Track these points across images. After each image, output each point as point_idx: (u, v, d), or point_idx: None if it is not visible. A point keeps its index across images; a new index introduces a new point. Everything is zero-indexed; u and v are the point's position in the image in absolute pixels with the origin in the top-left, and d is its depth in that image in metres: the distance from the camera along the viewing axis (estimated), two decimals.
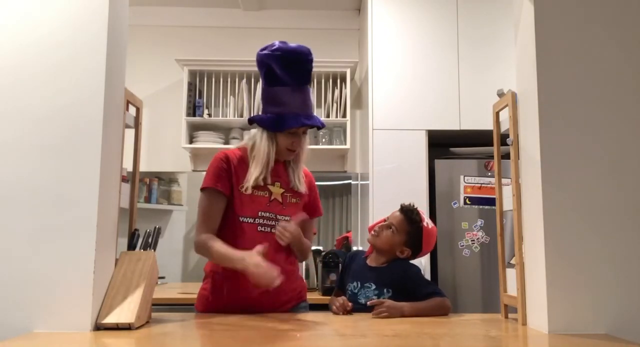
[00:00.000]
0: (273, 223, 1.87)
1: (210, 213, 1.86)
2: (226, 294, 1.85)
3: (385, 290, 1.90)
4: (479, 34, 3.39)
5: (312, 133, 3.46)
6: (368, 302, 1.82)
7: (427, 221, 1.99)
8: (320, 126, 1.91)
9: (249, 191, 1.86)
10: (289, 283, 1.86)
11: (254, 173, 1.86)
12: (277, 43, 1.87)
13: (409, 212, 1.98)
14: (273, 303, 1.85)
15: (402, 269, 1.95)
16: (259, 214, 1.86)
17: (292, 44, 1.88)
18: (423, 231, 1.96)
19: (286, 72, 1.85)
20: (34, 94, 1.46)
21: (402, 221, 1.96)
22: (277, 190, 1.91)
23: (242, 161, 1.91)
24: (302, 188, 1.96)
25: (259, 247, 1.69)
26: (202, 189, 1.88)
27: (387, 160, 3.26)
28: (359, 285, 1.95)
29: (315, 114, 1.94)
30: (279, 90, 1.86)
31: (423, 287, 1.90)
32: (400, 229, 1.95)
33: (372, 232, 1.99)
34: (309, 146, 1.99)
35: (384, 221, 2.01)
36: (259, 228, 1.86)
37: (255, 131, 1.94)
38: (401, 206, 2.02)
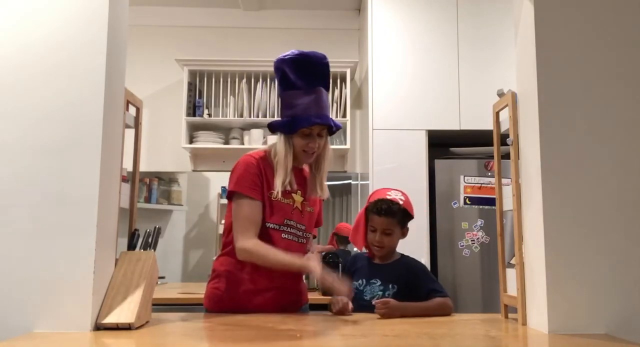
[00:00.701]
0: (294, 231, 1.90)
1: (253, 219, 1.82)
2: (242, 294, 1.85)
3: (390, 286, 1.91)
4: (479, 34, 3.40)
5: None
6: (373, 302, 1.81)
7: (399, 197, 1.99)
8: (333, 127, 1.89)
9: (278, 197, 1.85)
10: (297, 285, 1.93)
11: (279, 179, 1.85)
12: (293, 50, 1.89)
13: (387, 211, 1.96)
14: (285, 303, 1.88)
15: (407, 265, 1.97)
16: (285, 222, 1.87)
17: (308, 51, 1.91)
18: (406, 207, 1.98)
19: (298, 76, 1.85)
20: (34, 94, 1.46)
21: (389, 221, 1.96)
22: (298, 198, 1.92)
23: (269, 166, 1.89)
24: (325, 194, 1.97)
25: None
26: (235, 194, 1.84)
27: (387, 160, 3.26)
28: (364, 282, 1.96)
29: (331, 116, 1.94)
30: (292, 93, 1.87)
31: (425, 284, 1.91)
32: (393, 227, 1.97)
33: (375, 248, 1.98)
34: (331, 153, 1.96)
35: (362, 225, 2.00)
36: (283, 235, 1.87)
37: (275, 136, 1.95)
38: (374, 211, 1.98)
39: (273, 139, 2.05)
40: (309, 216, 1.96)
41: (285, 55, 1.87)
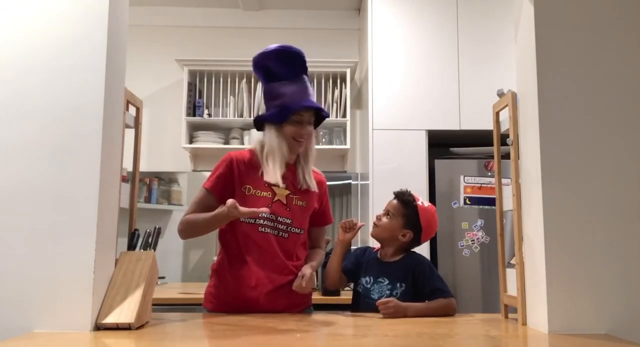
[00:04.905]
0: (273, 224, 1.88)
1: (199, 206, 1.89)
2: (229, 291, 1.87)
3: (398, 284, 1.91)
4: (479, 34, 3.39)
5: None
6: (376, 303, 1.81)
7: (421, 200, 2.02)
8: (320, 111, 1.93)
9: (252, 191, 1.87)
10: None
11: (277, 171, 1.87)
12: (270, 46, 1.95)
13: (401, 195, 2.02)
14: (276, 305, 1.85)
15: (414, 262, 1.97)
16: (260, 215, 1.86)
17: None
18: (418, 210, 1.98)
19: (281, 66, 1.91)
20: (34, 94, 1.46)
21: (396, 205, 2.00)
22: (281, 191, 1.91)
23: (250, 164, 1.92)
24: (312, 185, 1.94)
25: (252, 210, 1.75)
26: (203, 186, 1.94)
27: (387, 160, 3.26)
28: (372, 280, 1.97)
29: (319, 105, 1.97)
30: (277, 84, 1.92)
31: (430, 282, 1.90)
32: (397, 213, 1.98)
33: (373, 225, 2.02)
34: (316, 145, 2.00)
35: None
36: (260, 228, 1.86)
37: (258, 133, 1.99)
38: (394, 192, 2.05)
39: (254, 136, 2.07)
40: (298, 210, 1.92)
41: (266, 50, 1.93)
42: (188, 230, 1.89)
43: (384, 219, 2.00)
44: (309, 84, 1.95)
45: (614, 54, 1.54)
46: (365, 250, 2.12)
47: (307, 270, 1.84)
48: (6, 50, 1.47)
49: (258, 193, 1.88)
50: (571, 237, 1.47)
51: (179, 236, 1.91)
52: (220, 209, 1.76)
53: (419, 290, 1.90)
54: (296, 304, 1.91)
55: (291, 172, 1.95)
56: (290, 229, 1.90)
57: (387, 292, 1.90)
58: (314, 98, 1.94)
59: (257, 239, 1.86)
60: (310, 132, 1.93)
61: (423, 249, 3.09)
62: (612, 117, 1.52)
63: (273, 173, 1.87)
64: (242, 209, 1.72)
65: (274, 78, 1.92)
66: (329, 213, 2.07)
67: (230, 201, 1.72)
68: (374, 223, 2.02)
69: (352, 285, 2.10)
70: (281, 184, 1.88)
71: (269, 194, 1.89)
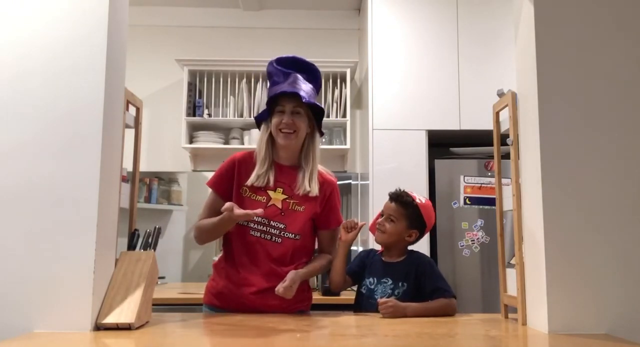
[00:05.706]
0: (265, 229, 1.87)
1: (208, 208, 1.94)
2: (224, 287, 1.89)
3: (400, 284, 1.92)
4: (479, 34, 3.39)
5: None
6: (378, 300, 1.81)
7: (419, 198, 2.02)
8: (303, 98, 1.85)
9: (248, 193, 1.89)
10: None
11: (256, 170, 1.89)
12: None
13: (399, 197, 2.01)
14: (268, 304, 1.83)
15: (416, 261, 1.97)
16: (252, 218, 1.84)
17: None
18: (420, 208, 1.99)
19: (278, 70, 1.93)
20: (34, 94, 1.46)
21: (397, 208, 1.99)
22: (277, 196, 1.89)
23: (251, 166, 1.92)
24: (314, 190, 1.89)
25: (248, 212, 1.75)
26: (206, 184, 1.99)
27: (387, 160, 3.26)
28: (375, 281, 1.97)
29: (313, 100, 1.92)
30: (272, 88, 1.94)
31: (430, 281, 1.90)
32: (399, 216, 1.98)
33: (377, 232, 2.01)
34: (319, 147, 1.98)
35: (380, 215, 2.03)
36: (251, 232, 1.87)
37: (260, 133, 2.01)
38: (389, 195, 2.05)
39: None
40: (295, 215, 1.89)
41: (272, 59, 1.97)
42: (201, 235, 1.93)
43: (388, 225, 1.98)
44: (300, 80, 1.90)
45: (614, 54, 1.54)
46: (369, 252, 2.12)
47: (289, 275, 1.80)
48: (6, 51, 1.47)
49: (253, 196, 1.88)
50: (571, 237, 1.47)
51: (195, 241, 1.95)
52: (225, 214, 1.76)
53: (421, 289, 1.90)
54: (291, 304, 1.87)
55: (292, 175, 1.93)
56: (283, 234, 1.88)
57: (389, 291, 1.91)
58: (307, 93, 1.88)
59: (247, 243, 1.87)
60: (296, 123, 1.87)
61: (423, 249, 3.10)
62: (612, 117, 1.52)
63: (254, 173, 1.88)
64: (237, 211, 1.72)
65: (273, 83, 1.95)
66: (333, 216, 1.98)
67: (226, 204, 1.73)
68: (380, 229, 1.99)
69: (355, 286, 2.10)
70: (271, 185, 1.88)
71: (264, 199, 1.88)
